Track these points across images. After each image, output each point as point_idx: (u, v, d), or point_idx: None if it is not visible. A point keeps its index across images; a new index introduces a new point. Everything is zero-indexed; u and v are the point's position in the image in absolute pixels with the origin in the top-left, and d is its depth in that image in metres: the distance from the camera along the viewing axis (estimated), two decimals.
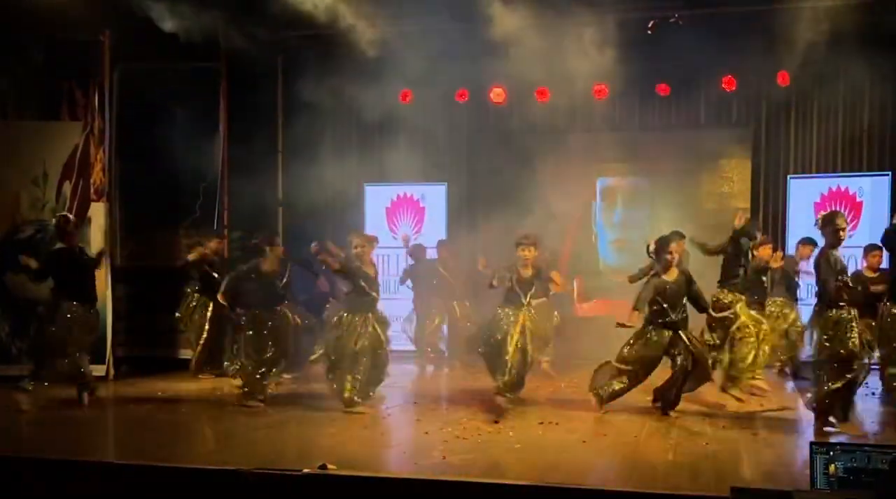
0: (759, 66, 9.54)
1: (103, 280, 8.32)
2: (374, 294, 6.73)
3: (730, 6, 8.82)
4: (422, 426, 6.03)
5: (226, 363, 8.41)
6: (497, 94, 10.10)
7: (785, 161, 9.87)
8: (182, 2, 7.73)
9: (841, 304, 5.77)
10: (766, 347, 7.05)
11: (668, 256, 6.33)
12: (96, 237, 8.40)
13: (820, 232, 6.08)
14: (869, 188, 9.42)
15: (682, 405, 6.85)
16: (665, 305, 6.26)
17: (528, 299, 6.69)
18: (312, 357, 7.53)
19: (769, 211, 9.80)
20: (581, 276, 9.57)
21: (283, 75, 10.39)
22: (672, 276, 6.35)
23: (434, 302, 9.56)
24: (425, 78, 10.03)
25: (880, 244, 7.40)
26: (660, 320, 6.31)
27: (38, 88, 8.61)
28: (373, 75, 9.97)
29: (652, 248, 6.53)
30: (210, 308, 8.40)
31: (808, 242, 8.13)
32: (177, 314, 8.63)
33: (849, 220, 8.96)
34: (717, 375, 6.80)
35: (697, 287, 6.45)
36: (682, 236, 7.03)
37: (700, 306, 6.53)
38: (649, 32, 9.16)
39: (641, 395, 6.71)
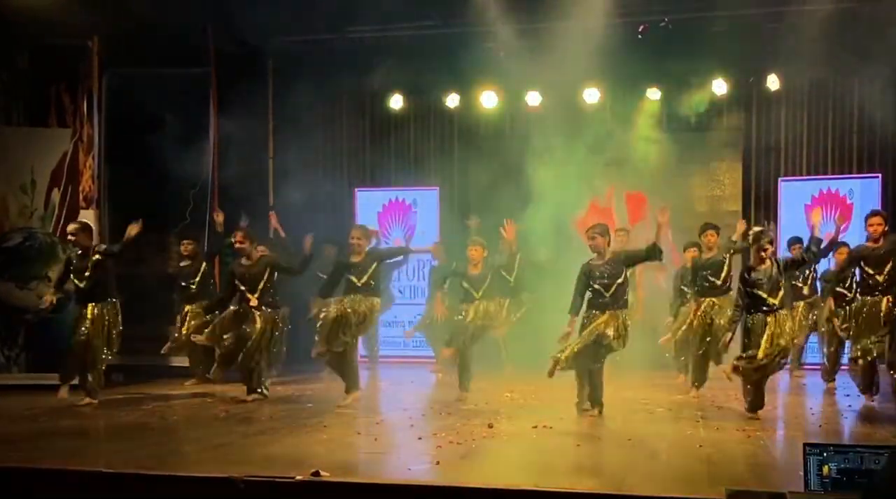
0: (749, 70, 9.59)
1: None
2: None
3: (720, 10, 8.86)
4: (415, 432, 6.00)
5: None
6: (488, 98, 10.11)
7: (776, 164, 9.92)
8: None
9: None
10: None
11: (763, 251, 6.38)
12: None
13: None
14: (859, 190, 9.47)
15: (675, 408, 6.87)
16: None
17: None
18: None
19: (760, 213, 9.84)
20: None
21: (274, 80, 10.37)
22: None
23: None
24: (416, 82, 10.04)
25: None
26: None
27: (25, 94, 8.56)
28: (364, 80, 9.97)
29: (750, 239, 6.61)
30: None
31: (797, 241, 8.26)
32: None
33: (839, 221, 9.07)
34: None
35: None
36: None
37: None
38: (640, 36, 9.20)
39: (636, 397, 6.70)
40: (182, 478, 4.45)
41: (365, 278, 6.88)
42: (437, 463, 4.91)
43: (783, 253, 8.76)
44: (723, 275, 7.57)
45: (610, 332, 6.32)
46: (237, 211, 9.26)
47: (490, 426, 6.01)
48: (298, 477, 4.22)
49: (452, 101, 10.28)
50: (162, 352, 8.59)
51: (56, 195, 8.47)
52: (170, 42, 8.75)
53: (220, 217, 8.32)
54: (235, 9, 8.49)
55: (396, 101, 10.44)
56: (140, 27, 8.23)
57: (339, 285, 7.04)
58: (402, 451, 5.57)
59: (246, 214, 8.08)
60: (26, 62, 8.58)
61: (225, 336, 7.17)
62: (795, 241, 8.29)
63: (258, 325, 7.17)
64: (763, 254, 6.36)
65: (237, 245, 7.30)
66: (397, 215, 10.63)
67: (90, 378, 7.24)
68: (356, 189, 10.74)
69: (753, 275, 6.40)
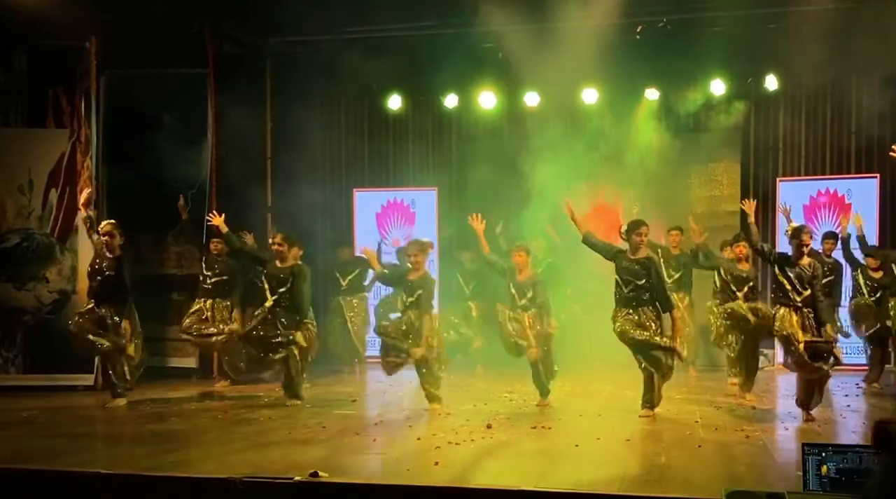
0: (748, 70, 9.60)
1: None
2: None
3: (719, 10, 8.87)
4: (414, 432, 6.00)
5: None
6: (486, 98, 10.10)
7: (774, 164, 9.93)
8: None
9: None
10: None
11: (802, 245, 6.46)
12: (84, 246, 8.32)
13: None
14: (857, 190, 9.48)
15: (674, 408, 6.87)
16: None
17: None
18: None
19: (759, 214, 9.81)
20: None
21: (272, 81, 10.37)
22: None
23: None
24: (415, 82, 10.03)
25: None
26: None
27: (23, 96, 8.57)
28: (362, 81, 9.96)
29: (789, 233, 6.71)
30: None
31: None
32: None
33: (837, 222, 9.08)
34: None
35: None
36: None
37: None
38: (638, 37, 9.20)
39: (636, 397, 6.70)
40: (181, 478, 4.45)
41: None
42: (436, 464, 4.90)
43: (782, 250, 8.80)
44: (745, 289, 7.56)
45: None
46: (236, 212, 9.27)
47: (489, 427, 6.00)
48: (297, 478, 4.21)
49: (451, 101, 10.27)
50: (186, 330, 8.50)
51: (54, 196, 8.47)
52: (168, 42, 8.74)
53: (250, 238, 8.29)
54: (234, 9, 8.49)
55: (395, 102, 10.43)
56: (138, 28, 8.23)
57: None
58: (401, 452, 5.56)
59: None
60: (24, 64, 8.57)
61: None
62: (830, 235, 8.40)
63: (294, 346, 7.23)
64: (804, 249, 6.41)
65: (276, 248, 7.32)
66: (396, 216, 10.62)
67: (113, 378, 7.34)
68: (354, 189, 10.73)
69: (789, 270, 6.43)
